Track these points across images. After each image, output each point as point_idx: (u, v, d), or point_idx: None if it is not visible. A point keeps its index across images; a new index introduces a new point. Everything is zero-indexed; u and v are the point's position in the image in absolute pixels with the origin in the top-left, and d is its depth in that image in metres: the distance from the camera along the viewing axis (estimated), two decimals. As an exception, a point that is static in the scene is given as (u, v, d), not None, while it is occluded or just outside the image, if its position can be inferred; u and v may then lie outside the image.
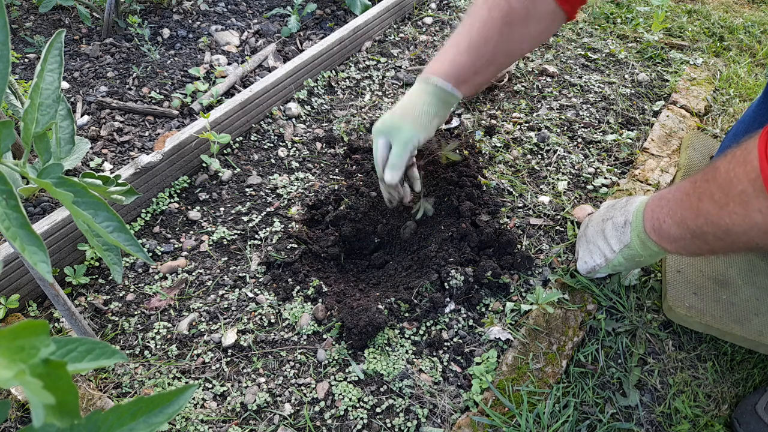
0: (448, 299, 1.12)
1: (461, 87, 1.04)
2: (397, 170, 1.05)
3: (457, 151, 1.39)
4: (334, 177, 1.41)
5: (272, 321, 1.10)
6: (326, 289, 1.15)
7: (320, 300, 1.13)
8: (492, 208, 1.27)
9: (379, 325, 1.04)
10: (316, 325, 1.09)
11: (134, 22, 1.76)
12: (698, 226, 0.84)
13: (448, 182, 1.32)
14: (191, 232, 1.26)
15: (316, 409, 0.97)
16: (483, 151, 1.47)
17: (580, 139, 1.53)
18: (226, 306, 1.12)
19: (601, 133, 1.55)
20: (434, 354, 1.06)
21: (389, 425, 0.95)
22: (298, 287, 1.15)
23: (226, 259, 1.21)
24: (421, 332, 1.08)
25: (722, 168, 0.78)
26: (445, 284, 1.12)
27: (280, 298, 1.14)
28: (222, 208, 1.31)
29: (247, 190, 1.35)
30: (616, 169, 1.44)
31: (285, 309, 1.12)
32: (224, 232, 1.25)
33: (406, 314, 1.10)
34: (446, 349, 1.07)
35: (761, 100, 1.18)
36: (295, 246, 1.23)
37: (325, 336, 1.08)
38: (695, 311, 1.08)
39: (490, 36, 0.99)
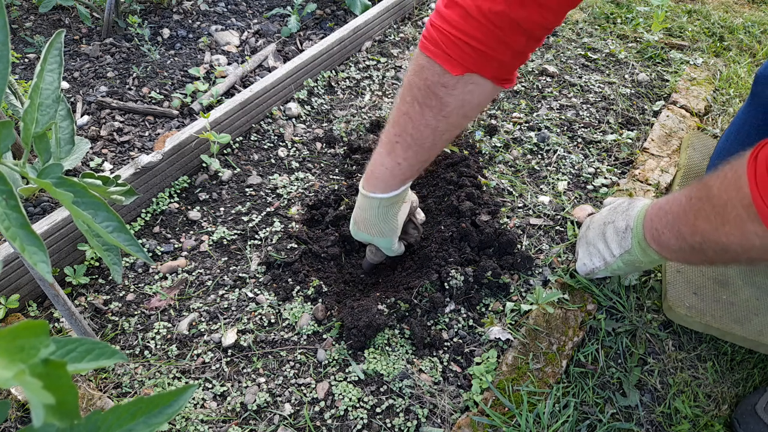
0: (448, 299, 1.12)
1: (406, 184, 1.02)
2: (398, 252, 1.16)
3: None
4: (334, 177, 1.41)
5: (272, 321, 1.10)
6: (326, 289, 1.15)
7: (320, 300, 1.13)
8: (492, 208, 1.27)
9: (379, 326, 1.04)
10: (316, 325, 1.09)
11: (134, 22, 1.76)
12: (696, 242, 0.84)
13: (448, 182, 1.32)
14: (191, 232, 1.26)
15: (316, 409, 0.97)
16: (483, 151, 1.47)
17: (580, 139, 1.53)
18: (226, 306, 1.12)
19: (601, 133, 1.55)
20: (434, 354, 1.06)
21: (389, 425, 0.95)
22: (298, 287, 1.15)
23: (226, 259, 1.21)
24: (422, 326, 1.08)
25: (715, 189, 0.77)
26: (445, 284, 1.12)
27: (280, 298, 1.14)
28: (222, 208, 1.31)
29: (247, 190, 1.35)
30: (616, 169, 1.44)
31: (285, 309, 1.12)
32: (224, 232, 1.25)
33: (406, 314, 1.10)
34: (446, 349, 1.07)
35: (749, 102, 1.18)
36: (295, 246, 1.23)
37: (325, 336, 1.08)
38: (695, 311, 1.08)
39: (426, 136, 0.92)
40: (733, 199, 0.74)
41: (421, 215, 1.22)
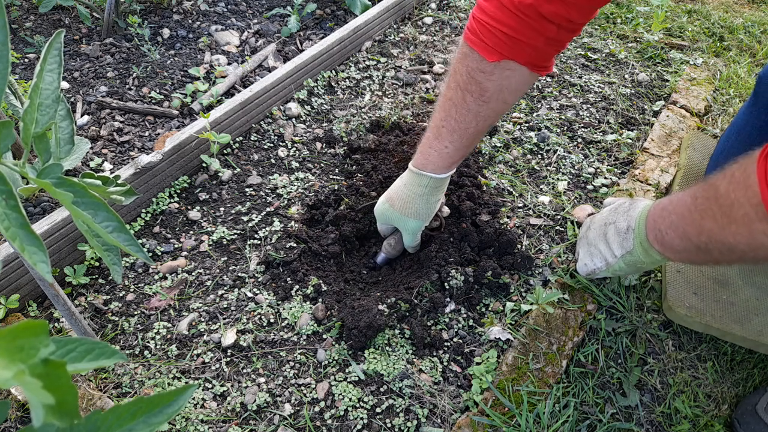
0: (448, 299, 1.12)
1: (453, 167, 1.09)
2: (416, 248, 1.20)
3: None
4: (334, 177, 1.41)
5: (271, 321, 1.10)
6: (325, 288, 1.15)
7: (320, 299, 1.13)
8: (492, 208, 1.27)
9: (380, 326, 1.04)
10: (315, 324, 1.09)
11: (134, 22, 1.76)
12: (702, 242, 0.83)
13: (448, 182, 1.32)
14: (191, 232, 1.26)
15: (316, 409, 0.97)
16: (483, 151, 1.47)
17: (580, 139, 1.53)
18: (225, 306, 1.12)
19: (601, 133, 1.55)
20: (434, 354, 1.06)
21: (389, 425, 0.95)
22: (297, 286, 1.15)
23: (225, 259, 1.21)
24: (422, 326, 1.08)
25: (722, 188, 0.77)
26: (445, 284, 1.12)
27: (279, 297, 1.14)
28: (222, 208, 1.31)
29: (247, 190, 1.35)
30: (616, 169, 1.44)
31: (284, 309, 1.12)
32: (224, 232, 1.25)
33: (407, 314, 1.10)
34: (446, 349, 1.07)
35: (751, 102, 1.17)
36: (294, 245, 1.23)
37: (325, 336, 1.07)
38: (695, 311, 1.08)
39: (469, 121, 0.99)
40: (741, 199, 0.74)
41: (445, 210, 1.23)
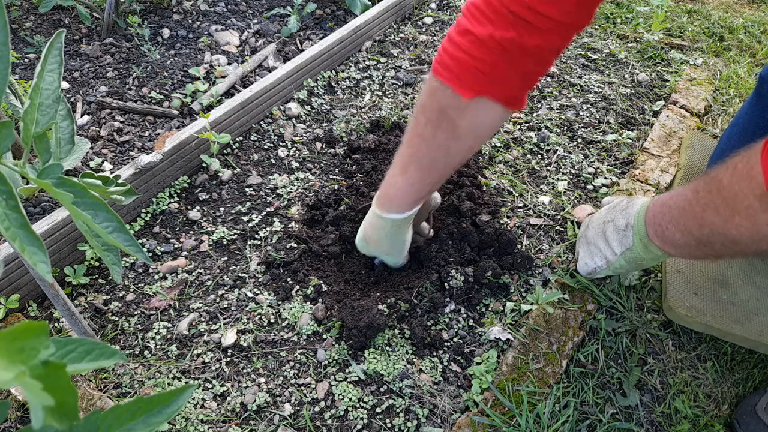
0: (448, 299, 1.12)
1: (418, 203, 1.04)
2: (402, 265, 1.19)
3: None
4: (334, 177, 1.41)
5: (272, 321, 1.10)
6: (326, 288, 1.15)
7: (320, 299, 1.13)
8: (492, 208, 1.27)
9: (380, 327, 1.04)
10: (315, 325, 1.09)
11: (134, 22, 1.76)
12: (704, 235, 0.83)
13: (448, 182, 1.32)
14: (191, 232, 1.26)
15: (316, 409, 0.97)
16: (483, 151, 1.47)
17: (580, 139, 1.53)
18: (225, 306, 1.12)
19: (601, 133, 1.55)
20: (434, 354, 1.06)
21: (389, 425, 0.95)
22: (298, 287, 1.15)
23: (225, 259, 1.21)
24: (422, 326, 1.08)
25: (725, 180, 0.77)
26: (445, 284, 1.12)
27: (280, 297, 1.14)
28: (222, 208, 1.31)
29: (247, 190, 1.36)
30: (616, 169, 1.44)
31: (284, 309, 1.12)
32: (224, 232, 1.25)
33: (407, 314, 1.10)
34: (446, 349, 1.07)
35: (754, 101, 1.17)
36: (295, 246, 1.23)
37: (325, 336, 1.08)
38: (695, 311, 1.08)
39: (438, 158, 0.95)
40: (745, 190, 0.73)
41: (436, 195, 1.18)
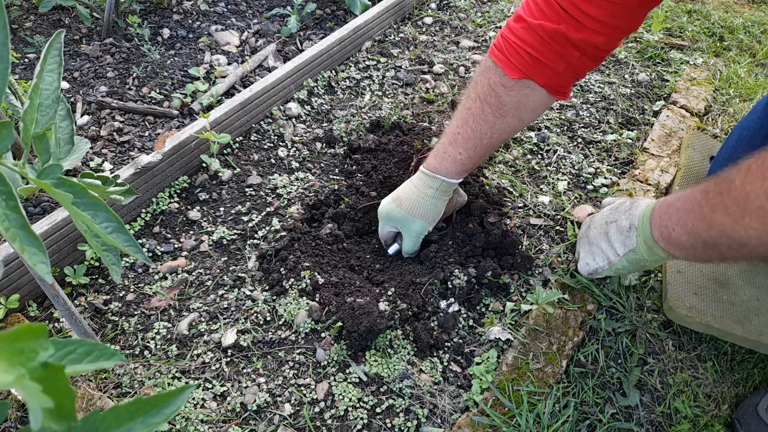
0: (452, 299, 1.12)
1: (463, 175, 1.12)
2: (414, 253, 1.21)
3: None
4: (334, 177, 1.41)
5: (268, 318, 1.10)
6: (322, 281, 1.13)
7: (317, 296, 1.11)
8: (501, 210, 1.27)
9: (381, 330, 1.03)
10: (313, 323, 1.09)
11: (134, 22, 1.76)
12: (711, 237, 0.83)
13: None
14: (191, 232, 1.26)
15: (316, 409, 0.97)
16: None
17: (580, 139, 1.53)
18: (225, 306, 1.12)
19: (601, 133, 1.55)
20: (434, 354, 1.06)
21: (389, 425, 0.95)
22: (293, 279, 1.14)
23: (225, 259, 1.21)
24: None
25: (737, 181, 0.76)
26: (448, 284, 1.12)
27: (275, 292, 1.13)
28: (222, 208, 1.31)
29: (247, 190, 1.35)
30: (616, 169, 1.44)
31: (280, 305, 1.11)
32: (224, 232, 1.25)
33: (410, 315, 1.09)
34: (446, 349, 1.07)
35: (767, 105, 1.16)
36: (285, 234, 1.22)
37: (323, 334, 1.07)
38: (696, 311, 1.08)
39: (484, 131, 1.03)
40: (758, 190, 0.73)
41: (463, 194, 1.24)
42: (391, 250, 1.22)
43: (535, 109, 1.02)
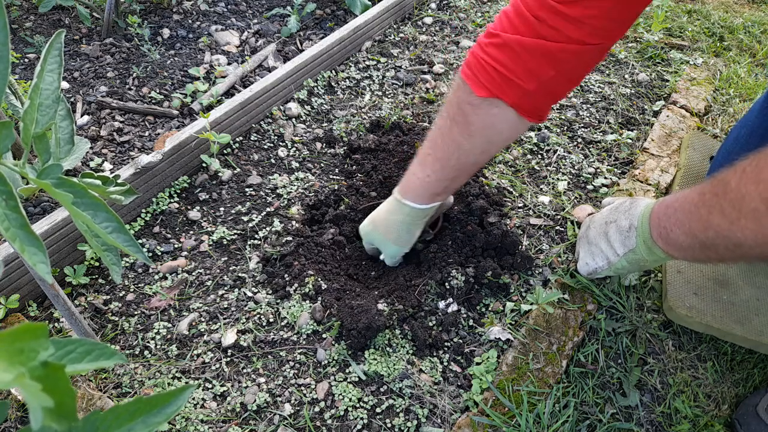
0: (450, 300, 1.12)
1: (436, 199, 1.07)
2: (396, 264, 1.20)
3: None
4: (334, 177, 1.41)
5: (271, 320, 1.10)
6: (325, 286, 1.14)
7: (319, 298, 1.12)
8: (501, 210, 1.27)
9: (379, 328, 1.03)
10: (315, 324, 1.09)
11: (134, 22, 1.76)
12: (708, 238, 0.83)
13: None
14: (191, 232, 1.26)
15: (316, 409, 0.97)
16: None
17: (580, 139, 1.53)
18: (225, 306, 1.12)
19: (601, 133, 1.55)
20: (434, 354, 1.06)
21: (389, 425, 0.95)
22: (296, 284, 1.14)
23: (225, 259, 1.21)
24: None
25: (733, 183, 0.77)
26: (446, 284, 1.12)
27: (278, 296, 1.13)
28: (222, 208, 1.31)
29: (247, 190, 1.35)
30: (616, 169, 1.44)
31: (283, 307, 1.12)
32: (224, 232, 1.25)
33: (408, 314, 1.09)
34: (446, 349, 1.07)
35: (765, 104, 1.16)
36: (291, 239, 1.22)
37: (324, 335, 1.07)
38: (696, 311, 1.08)
39: (452, 152, 0.98)
40: (752, 192, 0.73)
41: (450, 199, 1.22)
42: (382, 256, 1.22)
43: (504, 131, 0.96)
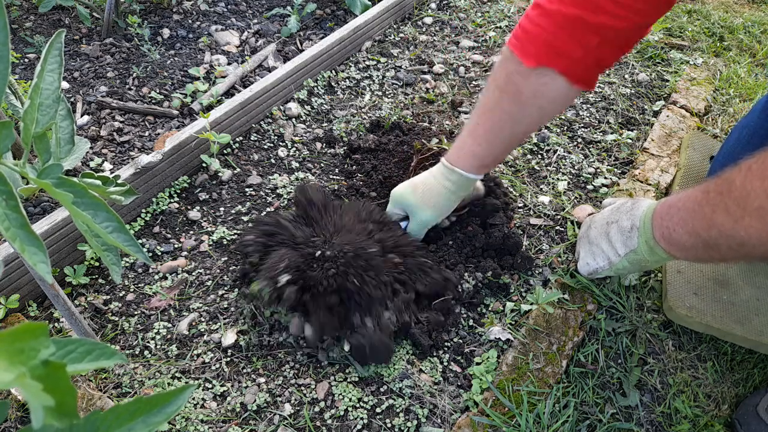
0: (459, 307, 1.12)
1: (483, 170, 1.09)
2: (420, 236, 1.17)
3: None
4: (334, 177, 1.41)
5: (271, 320, 1.10)
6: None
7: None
8: (508, 213, 1.27)
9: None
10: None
11: (134, 22, 1.76)
12: (711, 237, 0.83)
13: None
14: (191, 232, 1.26)
15: (316, 409, 0.97)
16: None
17: (580, 139, 1.53)
18: (225, 306, 1.12)
19: (601, 133, 1.56)
20: (434, 354, 1.06)
21: (389, 425, 0.95)
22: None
23: (226, 259, 1.21)
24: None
25: (737, 181, 0.77)
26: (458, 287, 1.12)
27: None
28: (222, 208, 1.31)
29: (247, 190, 1.36)
30: (616, 169, 1.44)
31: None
32: (224, 232, 1.25)
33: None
34: (446, 349, 1.07)
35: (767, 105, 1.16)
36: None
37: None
38: (696, 311, 1.08)
39: (503, 124, 1.01)
40: (758, 190, 0.73)
41: (480, 187, 1.23)
42: (404, 225, 1.20)
43: (556, 99, 0.97)
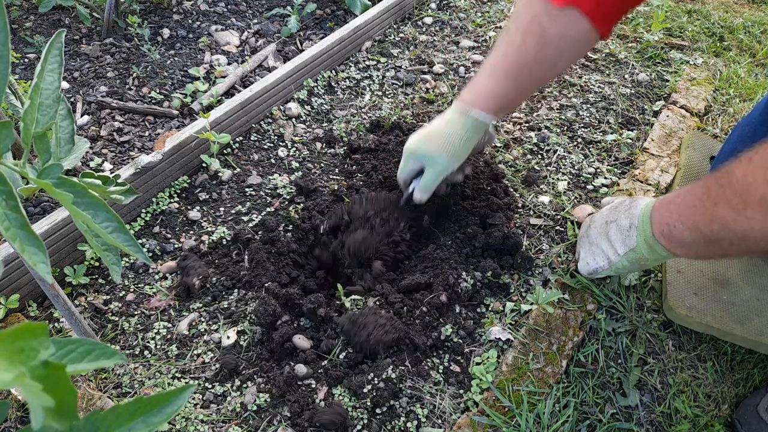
0: (455, 305, 1.12)
1: (499, 114, 1.08)
2: (429, 193, 1.15)
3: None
4: (334, 177, 1.41)
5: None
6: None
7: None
8: (507, 212, 1.27)
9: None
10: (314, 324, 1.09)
11: (134, 22, 1.76)
12: (713, 231, 0.82)
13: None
14: (191, 232, 1.26)
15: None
16: (484, 151, 1.47)
17: (580, 139, 1.53)
18: (225, 306, 1.12)
19: (601, 133, 1.55)
20: (434, 354, 1.06)
21: (389, 425, 0.95)
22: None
23: (226, 259, 1.21)
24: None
25: (739, 173, 0.76)
26: (455, 288, 1.12)
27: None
28: (222, 208, 1.31)
29: (247, 190, 1.35)
30: (616, 169, 1.44)
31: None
32: (224, 232, 1.25)
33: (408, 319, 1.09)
34: (446, 349, 1.07)
35: None
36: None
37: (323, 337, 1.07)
38: (696, 311, 1.08)
39: (525, 63, 1.00)
40: (759, 181, 0.73)
41: (467, 170, 1.23)
42: (405, 197, 1.19)
43: (576, 41, 0.98)
